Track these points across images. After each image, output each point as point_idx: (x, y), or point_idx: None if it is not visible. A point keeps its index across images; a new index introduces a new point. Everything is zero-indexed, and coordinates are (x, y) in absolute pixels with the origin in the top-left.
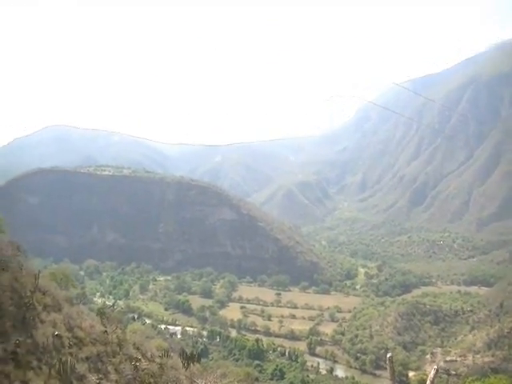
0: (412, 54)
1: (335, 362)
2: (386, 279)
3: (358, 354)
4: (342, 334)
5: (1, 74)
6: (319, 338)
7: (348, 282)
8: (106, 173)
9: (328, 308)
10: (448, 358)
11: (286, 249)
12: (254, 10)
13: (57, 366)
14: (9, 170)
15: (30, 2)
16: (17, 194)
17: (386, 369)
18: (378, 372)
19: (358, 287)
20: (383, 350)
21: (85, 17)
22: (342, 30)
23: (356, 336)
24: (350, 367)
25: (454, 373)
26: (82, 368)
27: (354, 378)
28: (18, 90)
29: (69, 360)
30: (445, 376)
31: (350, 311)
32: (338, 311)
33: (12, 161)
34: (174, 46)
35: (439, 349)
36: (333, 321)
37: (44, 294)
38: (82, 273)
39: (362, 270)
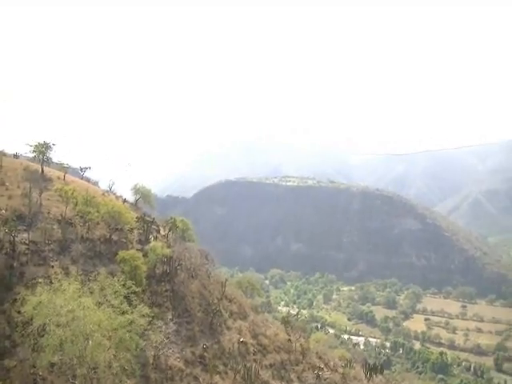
0: None
1: None
2: None
3: None
4: None
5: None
6: (507, 354)
7: None
8: (291, 183)
9: None
10: None
11: (472, 259)
12: None
13: (242, 372)
14: (199, 180)
15: None
16: (205, 204)
17: None
18: None
19: None
20: None
21: None
22: None
23: None
24: None
25: None
26: (265, 374)
27: None
28: (205, 103)
29: (253, 366)
30: None
31: None
32: None
33: (202, 172)
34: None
35: None
36: None
37: (231, 301)
38: (266, 282)
39: None
